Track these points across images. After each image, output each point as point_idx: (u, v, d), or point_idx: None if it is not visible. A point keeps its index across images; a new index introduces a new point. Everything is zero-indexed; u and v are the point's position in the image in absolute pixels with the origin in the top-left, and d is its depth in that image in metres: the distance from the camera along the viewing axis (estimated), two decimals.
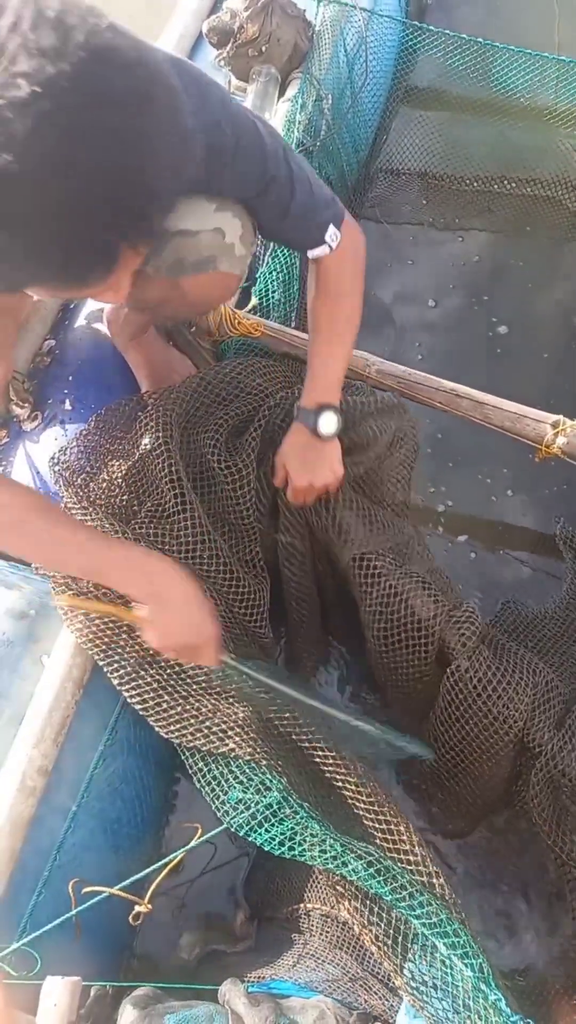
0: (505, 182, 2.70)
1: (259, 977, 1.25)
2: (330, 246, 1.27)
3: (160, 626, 1.19)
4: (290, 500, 1.46)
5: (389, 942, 1.10)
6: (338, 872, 1.12)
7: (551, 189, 2.65)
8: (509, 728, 1.37)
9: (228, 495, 1.45)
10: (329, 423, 1.38)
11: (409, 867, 1.15)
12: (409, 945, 1.08)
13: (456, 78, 2.39)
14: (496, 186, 2.70)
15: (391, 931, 1.11)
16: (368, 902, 1.14)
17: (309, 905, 1.36)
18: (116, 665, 1.31)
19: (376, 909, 1.14)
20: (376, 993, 1.16)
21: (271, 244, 1.42)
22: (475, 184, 2.71)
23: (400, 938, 1.10)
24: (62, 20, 0.66)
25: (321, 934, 1.30)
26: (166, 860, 1.19)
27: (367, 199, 2.67)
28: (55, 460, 1.39)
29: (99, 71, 0.67)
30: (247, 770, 1.24)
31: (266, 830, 1.15)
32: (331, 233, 1.26)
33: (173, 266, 1.21)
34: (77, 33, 0.67)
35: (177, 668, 1.34)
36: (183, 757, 1.30)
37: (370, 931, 1.12)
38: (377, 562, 1.48)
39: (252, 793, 1.19)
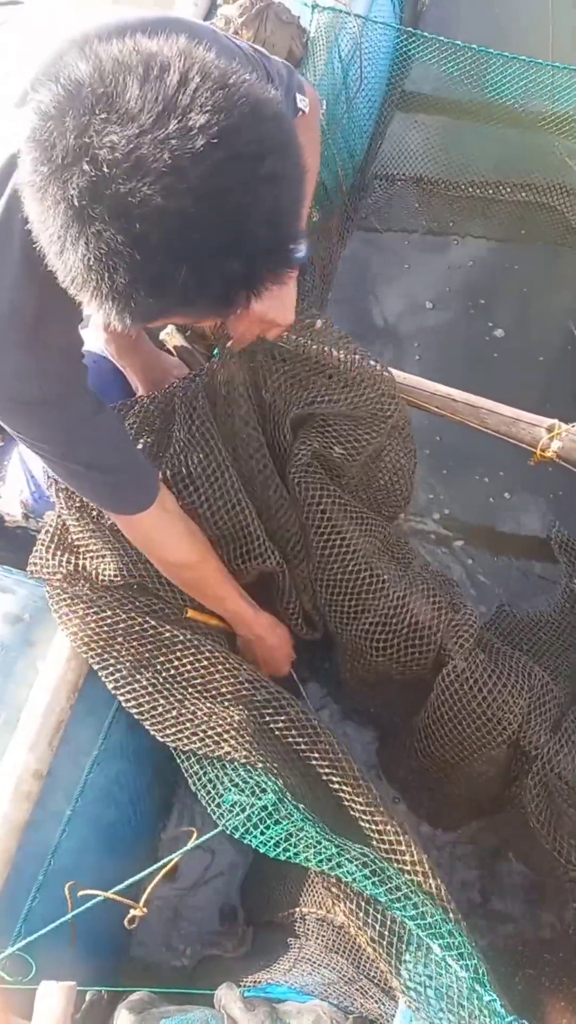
0: (500, 188, 2.71)
1: (255, 981, 1.24)
2: (303, 111, 1.27)
3: (248, 654, 1.53)
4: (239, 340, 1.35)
5: (384, 944, 1.10)
6: (333, 874, 1.12)
7: (546, 195, 2.67)
8: (504, 729, 1.37)
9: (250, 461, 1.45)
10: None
11: (404, 868, 1.15)
12: (405, 947, 1.08)
13: (451, 84, 2.40)
14: (491, 191, 2.71)
15: (386, 933, 1.11)
16: (363, 904, 1.15)
17: (305, 909, 1.36)
18: (111, 669, 1.31)
19: (371, 911, 1.14)
20: (372, 997, 1.16)
21: None
22: (470, 190, 2.73)
23: (395, 940, 1.10)
24: (225, 77, 0.73)
25: (317, 938, 1.30)
26: (162, 863, 1.19)
27: (363, 205, 2.68)
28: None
29: (257, 123, 0.73)
30: (242, 773, 1.25)
31: (261, 832, 1.16)
32: (302, 100, 1.25)
33: None
34: (240, 90, 0.73)
35: (171, 671, 1.35)
36: (179, 760, 1.30)
37: (365, 933, 1.12)
38: (380, 571, 1.48)
39: (247, 796, 1.20)
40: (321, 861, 1.11)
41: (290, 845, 1.14)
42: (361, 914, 1.14)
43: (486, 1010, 0.97)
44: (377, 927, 1.12)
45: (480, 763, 1.45)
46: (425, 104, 2.71)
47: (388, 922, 1.12)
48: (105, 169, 0.69)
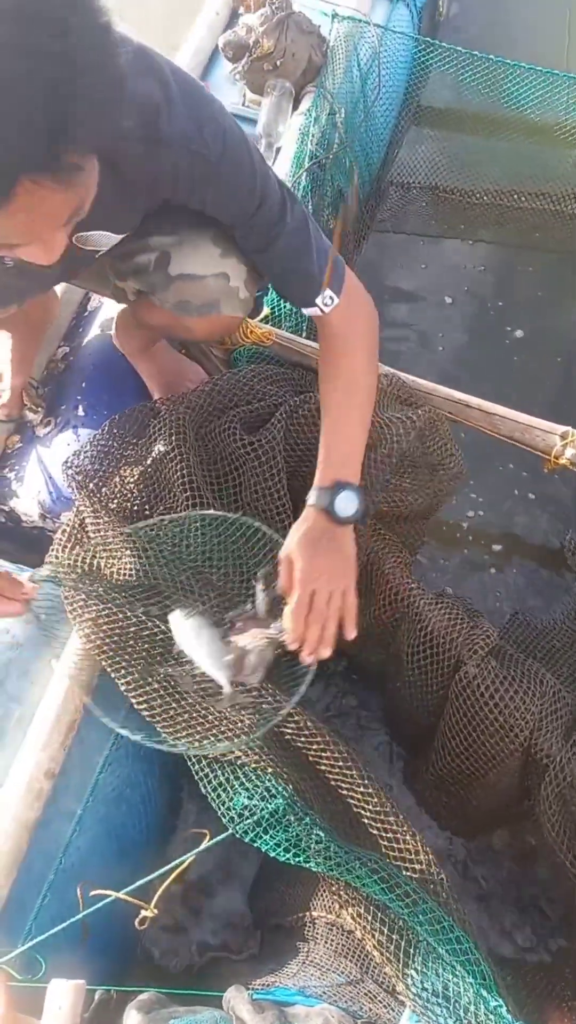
0: (515, 196, 2.72)
1: (263, 984, 1.24)
2: (322, 309, 1.19)
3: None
4: (293, 612, 1.21)
5: (392, 947, 1.09)
6: (342, 879, 1.12)
7: (561, 204, 2.67)
8: (515, 737, 1.37)
9: (255, 477, 1.38)
10: (349, 503, 1.19)
11: (414, 873, 1.15)
12: (412, 951, 1.07)
13: (467, 94, 2.42)
14: (506, 200, 2.72)
15: (394, 937, 1.10)
16: (372, 908, 1.14)
17: (314, 913, 1.35)
18: (123, 671, 1.31)
19: (379, 915, 1.13)
20: (380, 1001, 1.16)
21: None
22: (485, 198, 2.74)
23: (403, 944, 1.09)
24: None
25: (326, 942, 1.30)
26: (174, 865, 1.19)
27: (379, 211, 2.70)
28: (68, 464, 1.40)
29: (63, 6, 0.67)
30: (252, 776, 1.25)
31: (271, 836, 1.16)
32: (326, 296, 1.18)
33: (178, 306, 1.23)
34: None
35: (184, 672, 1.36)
36: (189, 763, 1.31)
37: (373, 936, 1.12)
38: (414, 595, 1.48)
39: (257, 799, 1.20)
40: (331, 866, 1.10)
41: (299, 850, 1.13)
42: (369, 918, 1.14)
43: (492, 1015, 0.97)
44: (385, 931, 1.11)
45: (494, 774, 1.45)
46: (442, 113, 2.72)
47: (396, 926, 1.11)
48: None
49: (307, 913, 1.39)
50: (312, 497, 1.22)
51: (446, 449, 1.59)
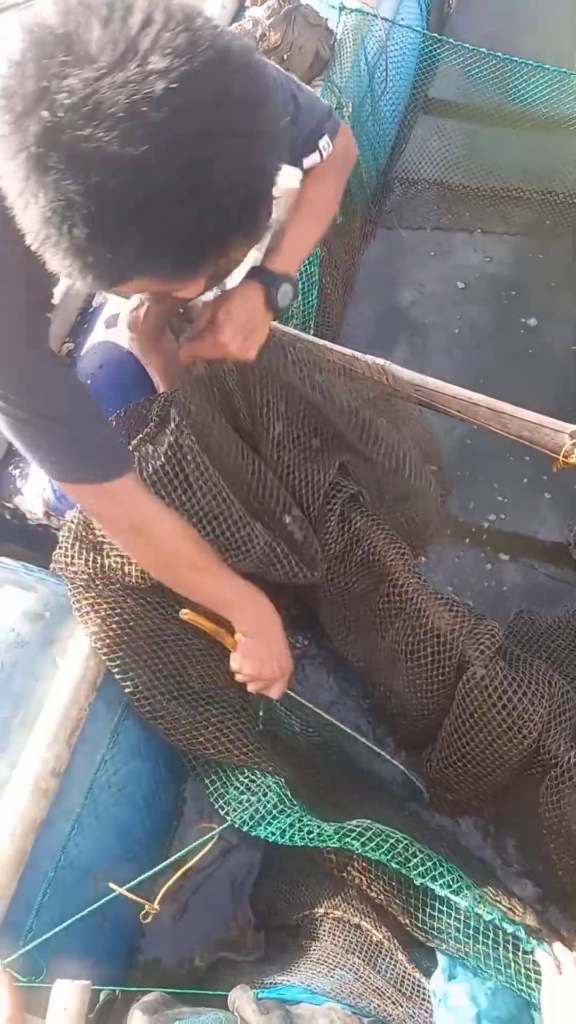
0: (523, 192, 2.71)
1: (269, 983, 1.24)
2: (322, 154, 1.24)
3: (254, 655, 1.34)
4: (189, 351, 1.30)
5: (402, 898, 1.21)
6: (340, 846, 1.18)
7: (570, 198, 2.66)
8: (524, 738, 1.36)
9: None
10: (286, 296, 1.28)
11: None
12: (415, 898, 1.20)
13: (474, 89, 2.40)
14: (514, 194, 2.71)
15: (394, 885, 1.22)
16: (382, 874, 1.24)
17: (319, 910, 1.35)
18: (130, 673, 1.33)
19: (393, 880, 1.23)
20: (389, 998, 1.16)
21: None
22: (492, 193, 2.73)
23: (409, 892, 1.20)
24: (191, 21, 0.69)
25: (332, 939, 1.30)
26: (176, 858, 1.21)
27: (386, 205, 2.69)
28: None
29: (223, 71, 0.70)
30: (248, 773, 1.35)
31: (267, 824, 1.24)
32: (324, 142, 1.23)
33: None
34: (204, 34, 0.69)
35: (186, 678, 1.39)
36: (187, 762, 1.38)
37: (378, 886, 1.22)
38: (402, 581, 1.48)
39: (253, 793, 1.30)
40: (324, 839, 1.18)
41: (295, 832, 1.21)
42: (373, 869, 1.23)
43: (511, 938, 1.08)
44: (385, 881, 1.22)
45: (501, 774, 1.45)
46: (449, 108, 2.71)
47: (395, 878, 1.21)
48: (61, 114, 0.65)
49: (312, 911, 1.39)
50: (259, 275, 1.26)
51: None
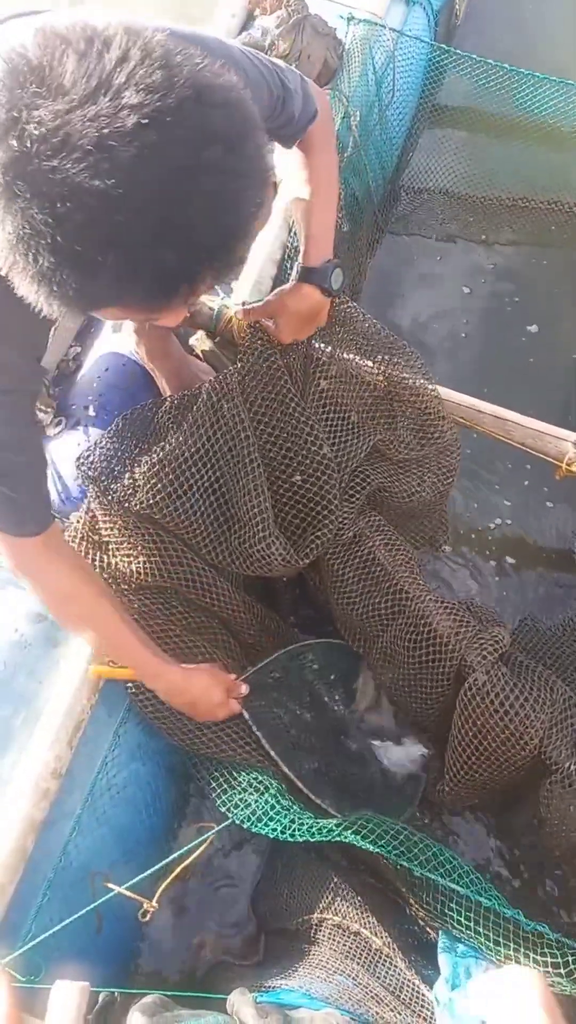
0: (529, 202, 2.72)
1: (268, 987, 1.24)
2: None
3: (179, 701, 1.38)
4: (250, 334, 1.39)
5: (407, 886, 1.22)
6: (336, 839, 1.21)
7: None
8: (525, 744, 1.36)
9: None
10: (338, 279, 1.34)
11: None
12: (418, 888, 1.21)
13: (481, 100, 2.42)
14: (520, 204, 2.72)
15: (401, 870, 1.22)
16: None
17: (319, 916, 1.35)
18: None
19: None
20: (387, 1005, 1.16)
21: (295, 263, 1.43)
22: (498, 203, 2.74)
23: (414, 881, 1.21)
24: (169, 58, 0.69)
25: (331, 944, 1.30)
26: (176, 856, 1.22)
27: (392, 214, 2.70)
28: (81, 460, 1.39)
29: (200, 108, 0.70)
30: (246, 773, 1.37)
31: (267, 822, 1.27)
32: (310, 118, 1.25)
33: None
34: (183, 71, 0.69)
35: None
36: (188, 762, 1.41)
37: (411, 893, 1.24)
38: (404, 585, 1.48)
39: (252, 793, 1.34)
40: (325, 833, 1.22)
41: (295, 829, 1.24)
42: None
43: (511, 922, 1.11)
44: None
45: (502, 779, 1.44)
46: (456, 118, 2.72)
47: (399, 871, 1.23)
48: (29, 144, 0.66)
49: (312, 916, 1.39)
50: (305, 275, 1.33)
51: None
